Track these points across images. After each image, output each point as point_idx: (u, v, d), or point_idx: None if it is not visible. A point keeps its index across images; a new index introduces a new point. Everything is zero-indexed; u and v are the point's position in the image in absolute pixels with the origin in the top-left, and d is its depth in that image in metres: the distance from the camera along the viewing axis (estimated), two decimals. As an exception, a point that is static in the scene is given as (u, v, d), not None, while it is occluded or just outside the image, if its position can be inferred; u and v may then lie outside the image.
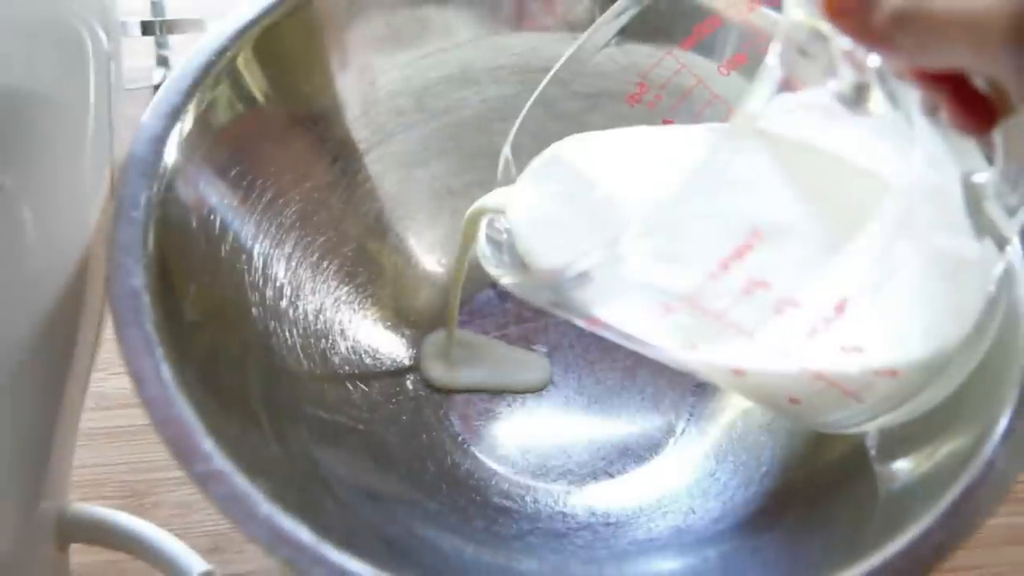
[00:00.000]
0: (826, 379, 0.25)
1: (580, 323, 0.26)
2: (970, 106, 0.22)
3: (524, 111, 0.32)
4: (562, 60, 0.32)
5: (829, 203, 0.24)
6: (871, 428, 0.28)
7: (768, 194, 0.24)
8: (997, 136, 0.23)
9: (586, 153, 0.30)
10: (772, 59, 0.21)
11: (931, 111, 0.24)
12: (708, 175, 0.21)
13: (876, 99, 0.23)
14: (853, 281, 0.23)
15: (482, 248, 0.31)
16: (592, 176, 0.30)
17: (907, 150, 0.23)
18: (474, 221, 0.32)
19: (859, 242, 0.23)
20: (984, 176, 0.24)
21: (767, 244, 0.22)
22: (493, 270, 0.29)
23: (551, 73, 0.32)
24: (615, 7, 0.31)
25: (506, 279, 0.26)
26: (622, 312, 0.24)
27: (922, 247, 0.24)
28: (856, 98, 0.23)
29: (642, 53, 0.32)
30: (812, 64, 0.22)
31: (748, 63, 0.23)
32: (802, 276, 0.23)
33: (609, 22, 0.31)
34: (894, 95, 0.23)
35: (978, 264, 0.25)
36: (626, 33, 0.31)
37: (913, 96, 0.24)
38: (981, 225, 0.25)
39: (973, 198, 0.25)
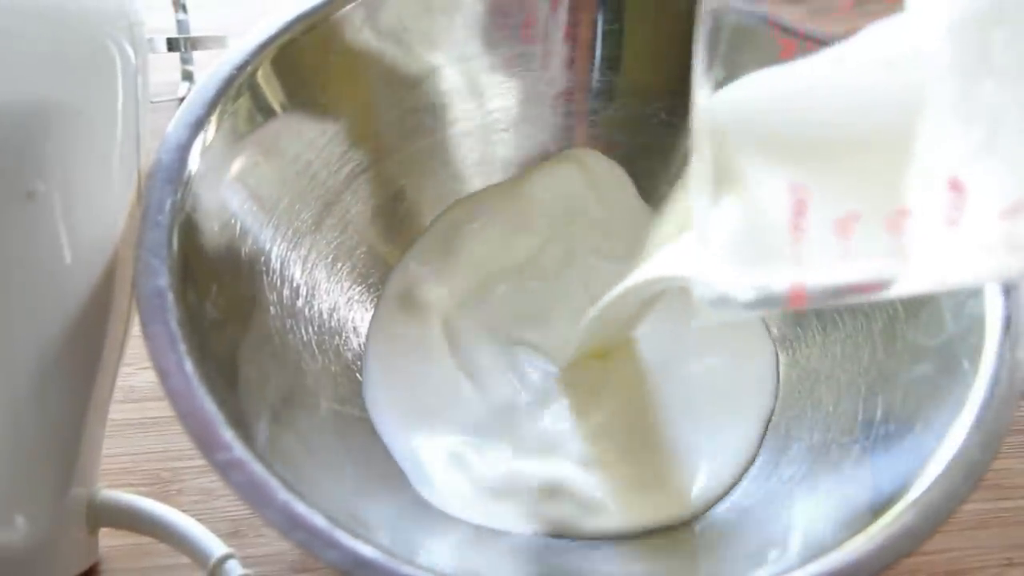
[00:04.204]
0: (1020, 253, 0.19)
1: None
2: None
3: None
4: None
5: (866, 102, 0.19)
6: None
7: (788, 144, 0.20)
8: None
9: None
10: None
11: None
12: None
13: None
14: (948, 152, 0.18)
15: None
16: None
17: None
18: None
19: (928, 110, 0.18)
20: None
21: (818, 186, 0.19)
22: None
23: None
24: None
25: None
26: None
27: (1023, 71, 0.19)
28: None
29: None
30: None
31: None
32: (884, 184, 0.19)
33: None
34: None
35: None
36: None
37: None
38: None
39: None
